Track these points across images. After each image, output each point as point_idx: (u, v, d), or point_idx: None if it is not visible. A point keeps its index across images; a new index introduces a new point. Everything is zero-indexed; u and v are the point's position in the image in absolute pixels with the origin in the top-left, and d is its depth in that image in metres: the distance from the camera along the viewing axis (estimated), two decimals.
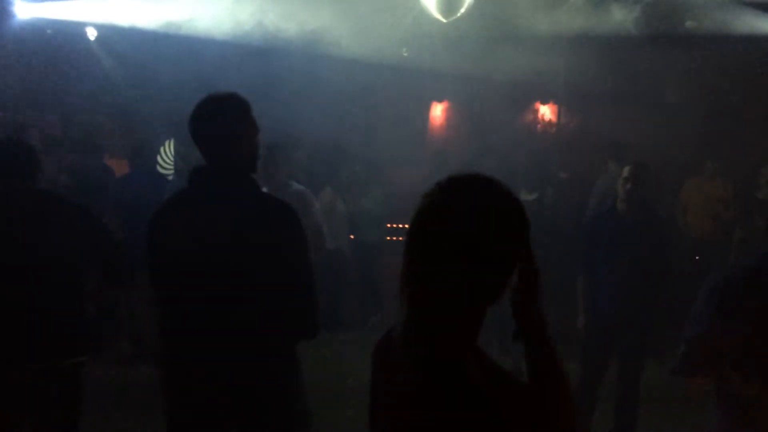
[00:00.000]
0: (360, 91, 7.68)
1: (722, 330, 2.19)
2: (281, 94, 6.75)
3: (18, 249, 2.84)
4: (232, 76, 6.00)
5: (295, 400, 2.42)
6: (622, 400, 4.05)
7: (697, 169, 6.87)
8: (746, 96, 7.41)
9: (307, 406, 2.49)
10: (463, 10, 5.90)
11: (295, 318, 2.32)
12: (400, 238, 2.52)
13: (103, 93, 7.36)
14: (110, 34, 7.02)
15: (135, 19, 6.53)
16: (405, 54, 7.80)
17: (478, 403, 1.15)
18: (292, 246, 2.31)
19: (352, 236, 6.79)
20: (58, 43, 6.98)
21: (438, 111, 9.34)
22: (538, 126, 8.88)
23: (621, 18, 6.37)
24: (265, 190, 3.01)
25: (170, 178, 7.01)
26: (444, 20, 5.87)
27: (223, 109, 2.32)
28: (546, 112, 8.96)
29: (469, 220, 1.20)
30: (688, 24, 6.68)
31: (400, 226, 7.25)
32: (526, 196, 5.47)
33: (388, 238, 6.94)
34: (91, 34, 7.26)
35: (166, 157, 8.21)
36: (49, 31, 6.90)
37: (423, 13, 6.00)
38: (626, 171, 3.91)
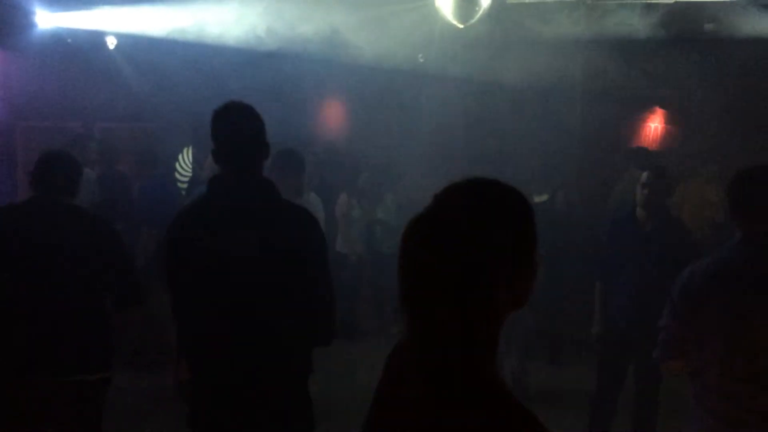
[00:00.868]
0: (374, 96, 7.69)
1: (686, 319, 2.41)
2: (296, 99, 6.78)
3: (50, 263, 2.91)
4: (248, 82, 6.04)
5: (306, 407, 2.42)
6: (640, 409, 3.99)
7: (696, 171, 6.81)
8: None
9: (313, 415, 2.49)
10: (478, 15, 5.88)
11: (312, 324, 2.33)
12: None
13: (122, 100, 7.44)
14: (130, 43, 7.10)
15: (155, 27, 6.60)
16: (421, 60, 7.79)
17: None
18: (313, 252, 2.33)
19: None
20: (79, 51, 7.08)
21: (452, 117, 9.29)
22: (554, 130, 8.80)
23: (635, 21, 6.32)
24: None
25: (182, 186, 7.09)
26: (460, 25, 5.85)
27: (254, 114, 2.36)
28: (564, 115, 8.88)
29: (470, 226, 1.14)
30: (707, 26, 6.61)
31: None
32: (536, 198, 5.48)
33: None
34: (111, 42, 7.34)
35: (185, 164, 8.29)
36: (69, 40, 7.00)
37: (439, 18, 5.98)
38: (644, 177, 3.86)
